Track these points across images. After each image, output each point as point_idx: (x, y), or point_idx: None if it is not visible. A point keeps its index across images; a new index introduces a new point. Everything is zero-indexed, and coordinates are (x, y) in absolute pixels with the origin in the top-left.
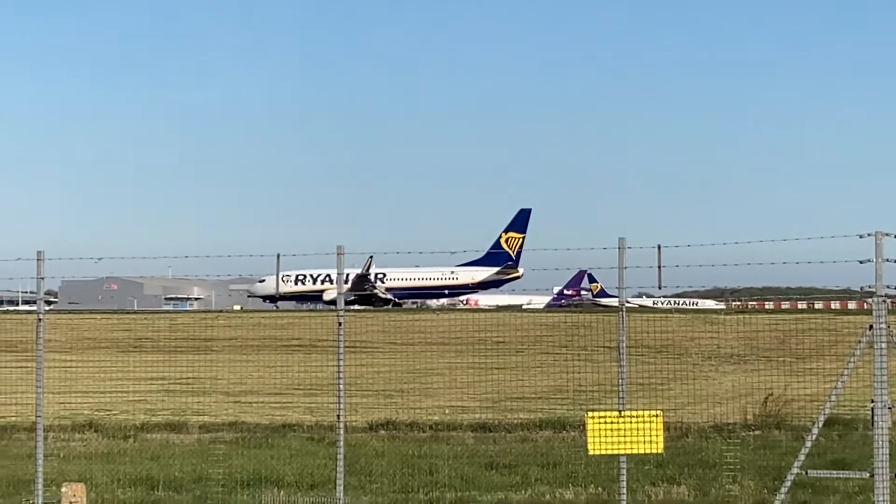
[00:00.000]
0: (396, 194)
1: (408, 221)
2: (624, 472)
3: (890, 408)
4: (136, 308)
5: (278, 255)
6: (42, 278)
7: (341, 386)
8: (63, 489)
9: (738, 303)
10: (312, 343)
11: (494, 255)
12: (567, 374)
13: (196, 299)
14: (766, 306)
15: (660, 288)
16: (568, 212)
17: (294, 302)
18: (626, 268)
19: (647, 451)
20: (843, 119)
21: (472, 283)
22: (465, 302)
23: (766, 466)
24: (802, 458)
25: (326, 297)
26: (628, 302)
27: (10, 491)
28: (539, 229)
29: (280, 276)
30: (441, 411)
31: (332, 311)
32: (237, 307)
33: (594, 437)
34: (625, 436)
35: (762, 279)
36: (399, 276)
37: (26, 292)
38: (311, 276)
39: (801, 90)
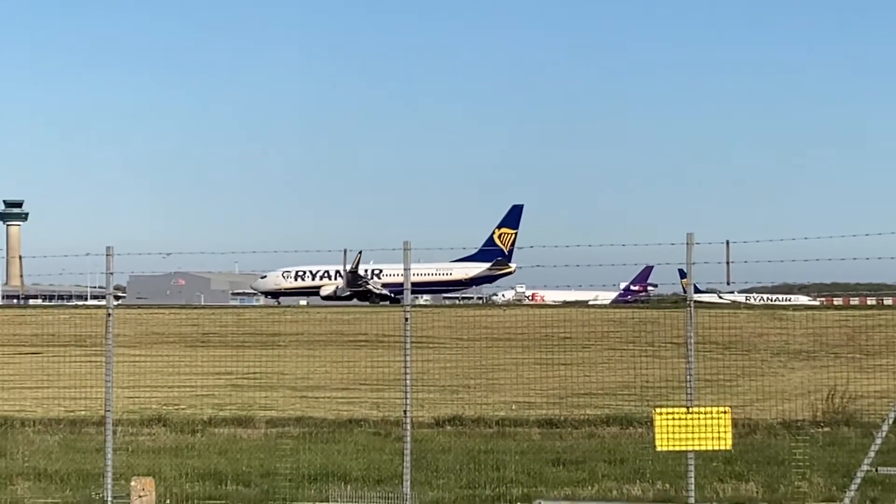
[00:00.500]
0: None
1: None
2: (692, 468)
3: None
4: (202, 303)
5: (345, 251)
6: (111, 273)
7: (408, 381)
8: (132, 483)
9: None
10: (378, 338)
11: (488, 252)
12: (634, 370)
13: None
14: (835, 302)
15: (728, 284)
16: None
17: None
18: (694, 264)
19: (715, 448)
20: None
21: (465, 279)
22: (530, 297)
23: (835, 463)
24: (872, 454)
25: (323, 292)
26: (721, 298)
27: (80, 484)
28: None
29: (281, 272)
30: (507, 407)
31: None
32: (303, 302)
33: (662, 433)
34: (693, 432)
35: (831, 275)
36: (396, 272)
37: (95, 287)
38: (311, 272)
39: (866, 85)
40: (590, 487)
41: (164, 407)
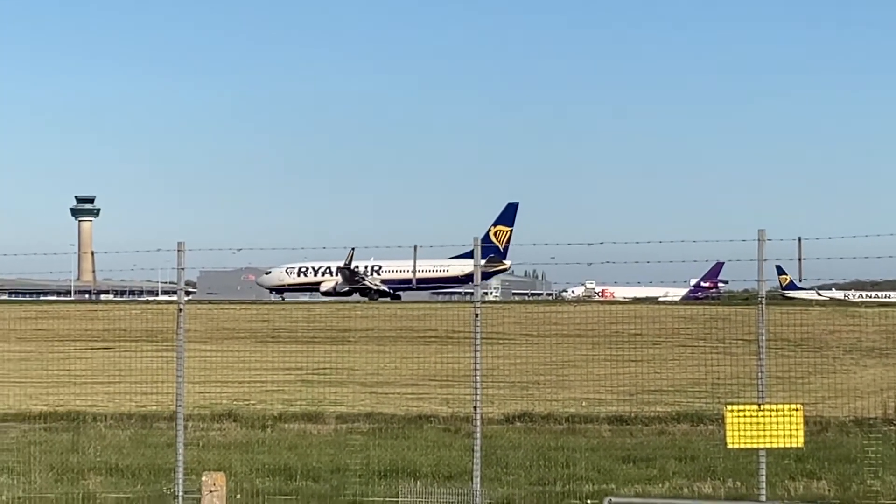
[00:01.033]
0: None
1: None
2: (763, 466)
3: None
4: (272, 299)
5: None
6: (182, 269)
7: (478, 377)
8: (203, 478)
9: None
10: (448, 334)
11: (483, 248)
12: (705, 367)
13: None
14: None
15: (800, 280)
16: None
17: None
18: (765, 260)
19: (787, 446)
20: None
21: (461, 276)
22: (599, 294)
23: None
24: None
25: (322, 288)
26: (819, 294)
27: (151, 479)
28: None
29: (285, 268)
30: (577, 404)
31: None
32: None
33: (733, 430)
34: (764, 430)
35: None
36: (394, 269)
37: (166, 283)
38: (313, 268)
39: None
40: (660, 485)
41: (235, 402)
